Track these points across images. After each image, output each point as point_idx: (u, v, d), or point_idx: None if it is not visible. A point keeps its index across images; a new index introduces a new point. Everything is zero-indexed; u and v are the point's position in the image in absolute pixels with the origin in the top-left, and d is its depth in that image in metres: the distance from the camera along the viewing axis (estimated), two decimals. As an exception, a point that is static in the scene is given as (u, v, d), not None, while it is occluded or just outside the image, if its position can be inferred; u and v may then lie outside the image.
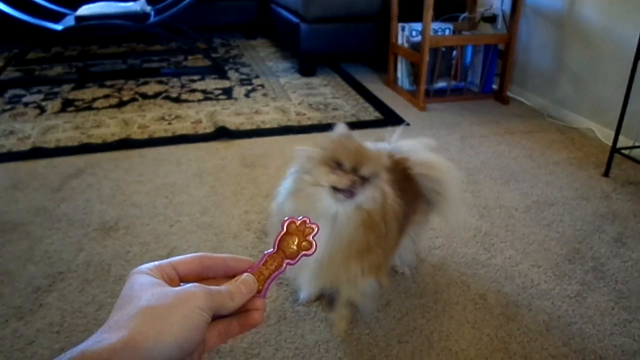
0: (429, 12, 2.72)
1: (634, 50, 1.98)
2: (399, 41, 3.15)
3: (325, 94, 3.13)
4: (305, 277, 1.19)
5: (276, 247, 0.47)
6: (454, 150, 2.37)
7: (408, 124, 2.67)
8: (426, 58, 2.82)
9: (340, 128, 1.13)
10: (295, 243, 0.47)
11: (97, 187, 2.00)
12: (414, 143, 1.37)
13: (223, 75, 3.52)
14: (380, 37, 3.38)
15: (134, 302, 0.38)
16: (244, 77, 3.51)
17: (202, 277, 0.46)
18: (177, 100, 3.02)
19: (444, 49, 3.01)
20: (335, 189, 1.03)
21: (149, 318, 0.37)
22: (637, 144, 2.27)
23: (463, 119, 2.77)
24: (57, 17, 3.61)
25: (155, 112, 2.81)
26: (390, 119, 2.73)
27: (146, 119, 2.70)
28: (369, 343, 1.26)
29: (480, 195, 1.97)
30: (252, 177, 2.09)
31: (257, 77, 3.51)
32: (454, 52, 3.08)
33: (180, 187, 2.00)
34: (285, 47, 4.23)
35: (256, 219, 1.78)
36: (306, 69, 3.52)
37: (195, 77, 3.48)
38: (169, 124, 2.64)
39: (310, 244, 0.47)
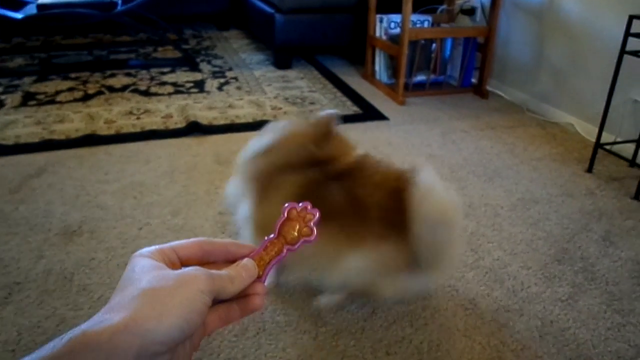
0: (408, 4, 2.64)
1: (619, 44, 1.94)
2: (377, 33, 3.07)
3: (302, 88, 3.03)
4: None
5: (277, 233, 0.47)
6: (436, 145, 2.31)
7: (388, 119, 2.59)
8: (405, 51, 2.75)
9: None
10: (296, 229, 0.47)
11: (59, 188, 1.86)
12: (438, 182, 1.15)
13: (195, 68, 3.38)
14: (357, 29, 3.29)
15: (136, 284, 0.38)
16: (216, 69, 3.38)
17: (203, 261, 0.45)
18: (146, 93, 2.88)
19: (423, 42, 2.94)
20: None
21: (150, 300, 0.37)
22: (619, 139, 2.24)
23: (443, 114, 2.71)
24: (17, 6, 3.40)
25: (123, 106, 2.67)
26: (369, 113, 2.65)
27: (113, 113, 2.56)
28: (355, 356, 1.18)
29: (465, 193, 1.91)
30: (226, 175, 1.98)
31: (230, 69, 3.39)
32: (434, 45, 3.01)
33: (150, 186, 1.88)
34: (259, 39, 4.11)
35: (231, 221, 1.68)
36: (281, 62, 3.41)
37: (165, 70, 3.33)
38: (138, 118, 2.51)
39: (311, 230, 0.47)
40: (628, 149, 2.17)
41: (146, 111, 2.60)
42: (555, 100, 2.69)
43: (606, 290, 1.43)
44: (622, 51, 1.93)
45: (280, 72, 3.33)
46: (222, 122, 2.47)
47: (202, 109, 2.64)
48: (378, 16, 3.03)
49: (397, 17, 2.92)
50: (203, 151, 2.17)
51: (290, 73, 3.32)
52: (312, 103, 2.78)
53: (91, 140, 2.25)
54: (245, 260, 0.45)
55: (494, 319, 1.30)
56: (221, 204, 1.76)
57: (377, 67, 3.15)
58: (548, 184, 2.00)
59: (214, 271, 0.42)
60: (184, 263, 0.44)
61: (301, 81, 3.16)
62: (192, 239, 0.46)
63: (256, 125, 2.43)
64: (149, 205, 1.76)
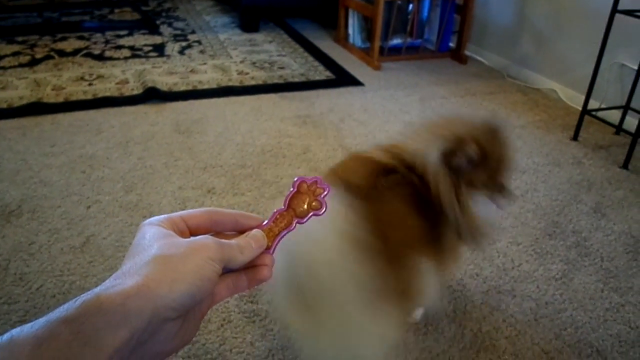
0: (384, -40, 2.45)
1: (606, 5, 1.81)
2: (350, -7, 2.88)
3: (270, 52, 2.83)
4: None
5: (286, 206, 0.47)
6: (415, 113, 2.16)
7: (362, 85, 2.43)
8: (381, 11, 2.57)
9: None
10: (306, 202, 0.47)
11: (-4, 161, 1.65)
12: None
13: (154, 31, 3.13)
14: (329, -11, 3.09)
15: (147, 251, 0.38)
16: (178, 32, 3.14)
17: (211, 231, 0.45)
18: (100, 57, 2.64)
19: (399, 2, 2.76)
20: None
21: (162, 266, 0.37)
22: (604, 105, 2.13)
23: (420, 79, 2.56)
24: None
25: (74, 71, 2.43)
26: (342, 78, 2.48)
27: (62, 79, 2.33)
28: (333, 348, 1.04)
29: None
30: (187, 145, 1.80)
31: (193, 32, 3.15)
32: (410, 6, 2.84)
33: (101, 159, 1.69)
34: (224, 0, 3.86)
35: (193, 196, 1.51)
36: (248, 24, 3.18)
37: (122, 32, 3.08)
38: (90, 84, 2.28)
39: (321, 203, 0.47)
40: (614, 116, 2.07)
41: (99, 77, 2.37)
42: (536, 65, 2.56)
43: (601, 267, 1.32)
44: (614, 10, 1.80)
45: (247, 36, 3.11)
46: (183, 88, 2.27)
47: (161, 74, 2.42)
48: (351, -25, 2.84)
49: (371, -24, 2.73)
50: (162, 120, 1.97)
51: (258, 36, 3.11)
52: (281, 67, 2.59)
53: (36, 108, 2.03)
54: (255, 231, 0.45)
55: (485, 302, 1.18)
56: (181, 177, 1.58)
57: (350, 30, 2.97)
58: (534, 153, 1.88)
59: (223, 240, 0.42)
60: (193, 232, 0.44)
61: (269, 45, 2.95)
62: (201, 209, 0.45)
63: (220, 92, 2.24)
64: (100, 181, 1.57)
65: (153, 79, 2.31)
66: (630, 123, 1.92)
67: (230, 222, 0.46)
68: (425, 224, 0.85)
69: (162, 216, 0.43)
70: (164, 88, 2.24)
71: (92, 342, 0.33)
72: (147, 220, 0.43)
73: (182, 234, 0.43)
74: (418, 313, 1.11)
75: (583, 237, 1.43)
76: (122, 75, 2.40)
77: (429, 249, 0.88)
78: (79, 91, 2.20)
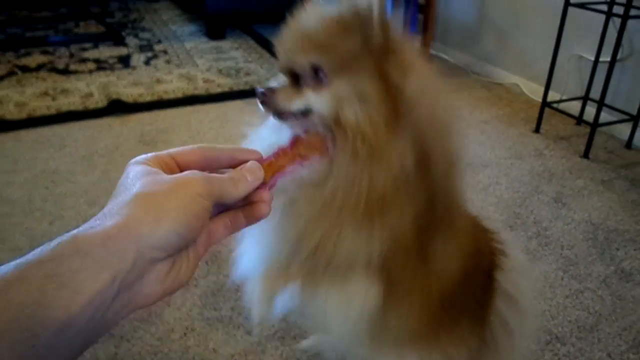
0: (344, -37, 2.47)
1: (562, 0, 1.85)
2: (314, -3, 2.89)
3: (237, 58, 2.83)
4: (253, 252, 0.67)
5: (290, 145, 0.44)
6: (380, 113, 2.18)
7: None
8: (344, 14, 2.59)
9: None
10: (312, 145, 0.45)
11: (-44, 181, 1.63)
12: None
13: (119, 42, 3.11)
14: (293, -6, 3.10)
15: (129, 190, 0.36)
16: (144, 43, 3.13)
17: (206, 169, 0.41)
18: (65, 72, 2.61)
19: (362, 5, 2.79)
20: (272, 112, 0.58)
21: (144, 204, 0.34)
22: (565, 97, 2.17)
23: (386, 80, 2.59)
24: None
25: (37, 86, 2.41)
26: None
27: (25, 95, 2.30)
28: (295, 357, 1.05)
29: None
30: (152, 156, 1.79)
31: (159, 42, 3.14)
32: (373, 8, 2.86)
33: (64, 174, 1.67)
34: (190, 9, 3.84)
35: (157, 207, 1.51)
36: (214, 32, 3.18)
37: (87, 45, 3.05)
38: (53, 99, 2.26)
39: (326, 147, 0.45)
40: (574, 107, 2.11)
41: (63, 91, 2.35)
42: (499, 60, 2.61)
43: (561, 255, 1.35)
44: (567, 3, 1.85)
45: (214, 43, 3.11)
46: (148, 98, 2.26)
47: (126, 85, 2.41)
48: (314, -21, 2.85)
49: (333, -21, 2.75)
50: (126, 131, 1.96)
51: (225, 44, 3.11)
52: (247, 74, 2.59)
53: (-2, 126, 2.00)
54: (250, 162, 0.42)
55: (446, 296, 1.20)
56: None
57: (316, 34, 2.99)
58: (496, 147, 1.91)
59: (213, 174, 0.39)
60: (184, 170, 0.39)
61: (236, 52, 2.95)
62: (193, 145, 0.42)
63: (186, 100, 2.24)
64: (63, 196, 1.55)
65: (118, 91, 2.30)
66: (590, 113, 1.97)
67: (226, 158, 0.43)
68: None
69: (149, 154, 0.41)
70: (129, 99, 2.23)
71: (70, 285, 0.30)
72: (133, 159, 0.40)
73: (171, 172, 0.40)
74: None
75: (544, 227, 1.46)
76: (87, 88, 2.38)
77: None
78: (43, 106, 2.18)
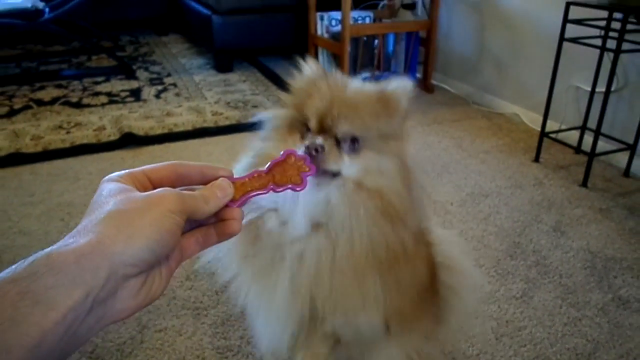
0: (347, 0, 2.57)
1: (557, 32, 1.92)
2: (319, 32, 2.99)
3: (244, 91, 2.92)
4: (279, 301, 0.72)
5: (268, 169, 0.46)
6: (383, 143, 2.25)
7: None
8: (347, 48, 2.68)
9: (312, 65, 0.76)
10: (288, 174, 0.46)
11: (-24, 214, 1.70)
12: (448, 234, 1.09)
13: (131, 76, 3.21)
14: (299, 28, 3.20)
15: (103, 208, 0.37)
16: (154, 76, 3.23)
17: (177, 185, 0.43)
18: (78, 105, 2.70)
19: (365, 38, 2.88)
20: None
21: (117, 222, 0.35)
22: (563, 126, 2.23)
23: (389, 110, 2.66)
24: None
25: (52, 120, 2.49)
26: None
27: (40, 128, 2.38)
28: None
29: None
30: (163, 188, 1.86)
31: (169, 75, 3.24)
32: (376, 41, 2.96)
33: (79, 206, 1.74)
34: (199, 43, 3.96)
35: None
36: (222, 65, 3.28)
37: (100, 79, 3.15)
38: (68, 132, 2.34)
39: (302, 179, 0.46)
40: (573, 136, 2.17)
41: (77, 124, 2.43)
42: (499, 91, 2.68)
43: (560, 284, 1.39)
44: (562, 38, 1.92)
45: (222, 76, 3.21)
46: (159, 131, 2.34)
47: (137, 118, 2.49)
48: (319, 14, 2.95)
49: (337, 15, 2.85)
50: (138, 164, 2.00)
51: (232, 76, 3.20)
52: (254, 106, 2.67)
53: (15, 159, 2.07)
54: (220, 180, 0.43)
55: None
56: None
57: (320, 66, 3.07)
58: (497, 177, 1.96)
59: (185, 191, 0.40)
60: (156, 187, 0.41)
61: (243, 84, 3.04)
62: (165, 162, 0.43)
63: (195, 133, 2.31)
64: (77, 227, 1.61)
65: (129, 124, 2.38)
66: (589, 142, 2.02)
67: (197, 174, 0.44)
68: None
69: (123, 171, 0.42)
70: (140, 132, 2.30)
71: (43, 301, 0.31)
72: (107, 177, 0.41)
73: (144, 189, 0.41)
74: None
75: (543, 256, 1.50)
76: (100, 121, 2.46)
77: None
78: (57, 140, 2.26)
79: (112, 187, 0.40)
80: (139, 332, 1.20)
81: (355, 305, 0.73)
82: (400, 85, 0.72)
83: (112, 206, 0.37)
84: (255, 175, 0.46)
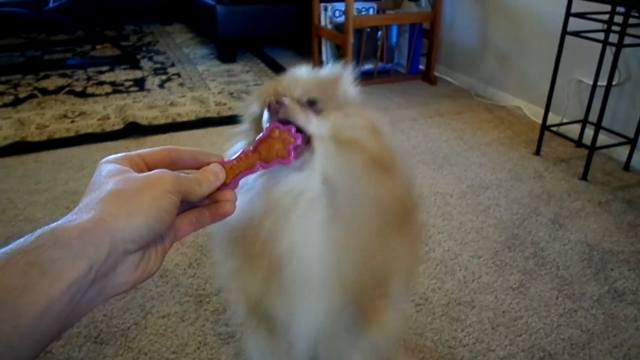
0: (351, -9, 2.58)
1: (560, 25, 1.93)
2: (322, 22, 3.00)
3: (247, 81, 2.93)
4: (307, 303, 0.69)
5: (254, 148, 0.47)
6: (385, 135, 2.26)
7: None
8: (351, 39, 2.69)
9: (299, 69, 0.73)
10: (274, 149, 0.47)
11: (-18, 201, 1.72)
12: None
13: (135, 65, 3.23)
14: (302, 19, 3.21)
15: (103, 187, 0.39)
16: (158, 66, 3.24)
17: (170, 169, 0.44)
18: (82, 94, 2.72)
19: (368, 30, 2.88)
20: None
21: (118, 200, 0.37)
22: (565, 120, 2.24)
23: (392, 102, 2.67)
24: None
25: (57, 109, 2.52)
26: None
27: (45, 117, 2.41)
28: (302, 364, 1.12)
29: (415, 182, 1.86)
30: (167, 177, 1.88)
31: (172, 65, 3.25)
32: (379, 33, 2.96)
33: (83, 194, 1.76)
34: (202, 33, 3.97)
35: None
36: (226, 55, 3.30)
37: (104, 68, 3.17)
38: (72, 122, 2.36)
39: (289, 152, 0.47)
40: (574, 130, 2.18)
41: (81, 113, 2.46)
42: (502, 83, 2.69)
43: (557, 275, 1.41)
44: (564, 31, 1.92)
45: (225, 66, 3.22)
46: (162, 121, 2.36)
47: (141, 108, 2.51)
48: (322, 4, 2.96)
49: (341, 5, 2.86)
50: (142, 153, 2.05)
51: (236, 66, 3.21)
52: (258, 97, 2.69)
53: (20, 147, 2.10)
54: (212, 165, 0.45)
55: (445, 314, 1.26)
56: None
57: (324, 57, 3.09)
58: (497, 169, 1.98)
59: (180, 173, 0.42)
60: (151, 169, 0.43)
61: (247, 74, 3.06)
62: (160, 147, 0.45)
63: (199, 123, 2.33)
64: (82, 215, 1.64)
65: (134, 114, 2.40)
66: (590, 136, 2.03)
67: (189, 159, 0.46)
68: None
69: (120, 154, 0.44)
70: (144, 122, 2.32)
71: (50, 272, 0.33)
72: (104, 159, 0.43)
73: (140, 171, 0.43)
74: None
75: (541, 248, 1.52)
76: (104, 111, 2.48)
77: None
78: (62, 129, 2.28)
79: (111, 168, 0.42)
80: (142, 317, 1.23)
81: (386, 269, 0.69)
82: (342, 70, 0.73)
83: (113, 186, 0.39)
84: (243, 155, 0.47)
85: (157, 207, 0.39)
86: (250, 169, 0.47)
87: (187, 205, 0.44)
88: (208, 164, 0.46)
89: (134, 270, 0.39)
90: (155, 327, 1.20)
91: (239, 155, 0.47)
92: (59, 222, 0.36)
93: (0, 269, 0.32)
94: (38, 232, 0.35)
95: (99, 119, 2.38)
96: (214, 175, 0.45)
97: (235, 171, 0.46)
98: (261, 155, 0.47)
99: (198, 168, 0.46)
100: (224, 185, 0.46)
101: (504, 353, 1.16)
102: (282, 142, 0.48)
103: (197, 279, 1.36)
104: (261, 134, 0.48)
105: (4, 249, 0.33)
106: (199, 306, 1.26)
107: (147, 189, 0.39)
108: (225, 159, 0.48)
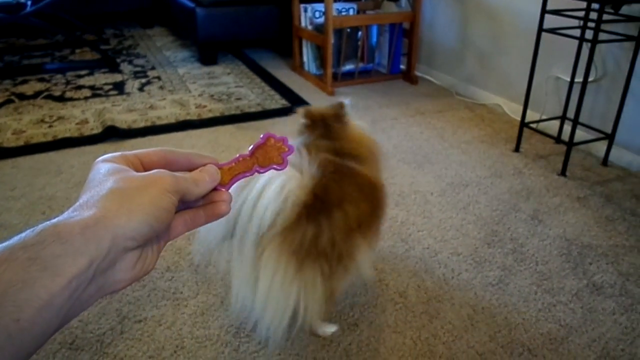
0: (330, -9, 2.58)
1: (536, 24, 1.94)
2: (302, 23, 2.99)
3: (228, 83, 2.92)
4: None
5: (251, 153, 0.49)
6: (366, 135, 2.26)
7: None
8: (331, 40, 2.68)
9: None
10: (270, 155, 0.50)
11: (-44, 208, 1.69)
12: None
13: (114, 69, 3.20)
14: (283, 21, 3.20)
15: (103, 185, 0.39)
16: (138, 69, 3.21)
17: (165, 169, 0.45)
18: (61, 99, 2.69)
19: (349, 30, 2.89)
20: None
21: (119, 198, 0.38)
22: (544, 117, 2.26)
23: (373, 102, 2.67)
24: None
25: (34, 114, 2.48)
26: (297, 106, 2.57)
27: (22, 122, 2.37)
28: (280, 366, 1.11)
29: (395, 181, 1.86)
30: (145, 181, 1.86)
31: (153, 68, 3.22)
32: (360, 33, 2.96)
33: (61, 199, 1.74)
34: (183, 35, 3.95)
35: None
36: (207, 58, 3.28)
37: (83, 72, 3.14)
38: (50, 126, 2.33)
39: (283, 159, 0.49)
40: (553, 126, 2.19)
41: (59, 118, 2.42)
42: (481, 82, 2.70)
43: (536, 270, 1.42)
44: (540, 29, 1.94)
45: (206, 69, 3.20)
46: (142, 124, 2.33)
47: (120, 112, 2.48)
48: (302, 6, 2.96)
49: (321, 6, 2.85)
50: (121, 157, 2.03)
51: (217, 69, 3.20)
52: (238, 98, 2.67)
53: (-4, 153, 2.07)
54: (208, 165, 0.47)
55: (425, 311, 1.26)
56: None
57: (305, 58, 3.08)
58: (477, 167, 1.99)
59: (178, 174, 0.43)
60: (147, 169, 0.44)
61: (228, 77, 3.04)
62: (155, 148, 0.46)
63: (179, 126, 2.31)
64: (59, 221, 1.61)
65: (112, 118, 2.38)
66: (568, 132, 2.05)
67: (184, 161, 0.47)
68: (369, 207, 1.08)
69: (116, 153, 0.44)
70: (123, 126, 2.30)
71: (51, 268, 0.33)
72: (101, 157, 0.44)
73: (137, 171, 0.44)
74: (330, 329, 1.20)
75: (520, 244, 1.53)
76: (82, 115, 2.45)
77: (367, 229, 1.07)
78: (39, 134, 2.25)
79: (109, 166, 0.42)
80: (119, 322, 1.21)
81: None
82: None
83: (113, 184, 0.39)
84: (240, 159, 0.49)
85: (157, 206, 0.39)
86: (247, 172, 0.49)
87: (181, 205, 0.45)
88: (202, 165, 0.47)
89: (131, 267, 0.40)
90: (132, 332, 1.18)
91: (236, 159, 0.49)
92: (60, 218, 0.36)
93: (3, 262, 0.32)
94: (39, 227, 0.35)
95: (77, 124, 2.35)
96: (210, 176, 0.46)
97: (234, 172, 0.49)
98: (258, 160, 0.50)
99: (192, 169, 0.47)
100: (221, 186, 0.48)
101: (483, 349, 1.16)
102: (277, 150, 0.50)
103: (175, 282, 1.34)
104: (257, 141, 0.50)
105: (4, 244, 0.34)
106: (176, 310, 1.25)
107: (147, 188, 0.40)
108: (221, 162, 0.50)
